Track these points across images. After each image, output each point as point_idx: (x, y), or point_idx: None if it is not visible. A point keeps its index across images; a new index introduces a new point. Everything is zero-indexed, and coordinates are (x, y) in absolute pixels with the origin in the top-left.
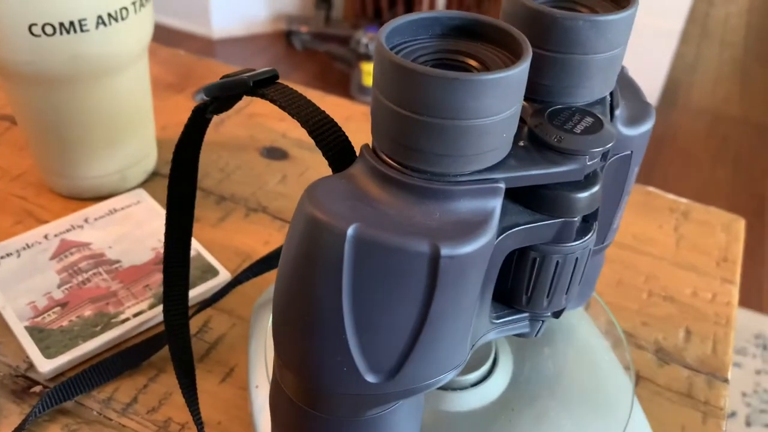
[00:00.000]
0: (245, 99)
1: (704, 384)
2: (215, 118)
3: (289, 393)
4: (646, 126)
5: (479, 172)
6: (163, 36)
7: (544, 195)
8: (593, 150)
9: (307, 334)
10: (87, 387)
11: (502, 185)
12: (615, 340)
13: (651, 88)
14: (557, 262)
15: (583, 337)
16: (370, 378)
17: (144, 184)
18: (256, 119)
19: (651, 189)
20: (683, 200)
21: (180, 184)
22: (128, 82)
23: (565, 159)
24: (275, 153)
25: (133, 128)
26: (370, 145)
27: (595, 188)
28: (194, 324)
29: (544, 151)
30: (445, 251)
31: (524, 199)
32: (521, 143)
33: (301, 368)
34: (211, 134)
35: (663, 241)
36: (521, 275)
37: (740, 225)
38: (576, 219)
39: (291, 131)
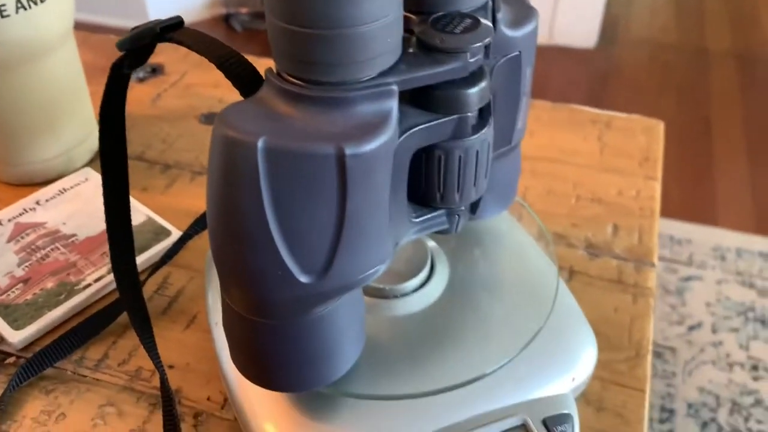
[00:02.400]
0: (179, 71)
1: (633, 270)
2: (152, 93)
3: (236, 308)
4: (530, 27)
5: (373, 78)
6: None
7: (438, 95)
8: (473, 46)
9: (240, 246)
10: (62, 354)
11: (395, 87)
12: (545, 244)
13: (589, 26)
14: (460, 157)
15: (512, 239)
16: (303, 279)
17: (90, 163)
18: (192, 89)
19: (574, 106)
20: (605, 112)
21: (110, 143)
22: (58, 64)
23: (449, 58)
24: (213, 118)
25: (70, 109)
26: (273, 69)
27: (482, 83)
28: (154, 282)
29: (430, 54)
30: (349, 150)
31: (421, 101)
32: (410, 50)
33: (241, 280)
34: (149, 109)
35: (588, 151)
36: (431, 174)
37: (660, 127)
38: (469, 114)
39: (227, 96)
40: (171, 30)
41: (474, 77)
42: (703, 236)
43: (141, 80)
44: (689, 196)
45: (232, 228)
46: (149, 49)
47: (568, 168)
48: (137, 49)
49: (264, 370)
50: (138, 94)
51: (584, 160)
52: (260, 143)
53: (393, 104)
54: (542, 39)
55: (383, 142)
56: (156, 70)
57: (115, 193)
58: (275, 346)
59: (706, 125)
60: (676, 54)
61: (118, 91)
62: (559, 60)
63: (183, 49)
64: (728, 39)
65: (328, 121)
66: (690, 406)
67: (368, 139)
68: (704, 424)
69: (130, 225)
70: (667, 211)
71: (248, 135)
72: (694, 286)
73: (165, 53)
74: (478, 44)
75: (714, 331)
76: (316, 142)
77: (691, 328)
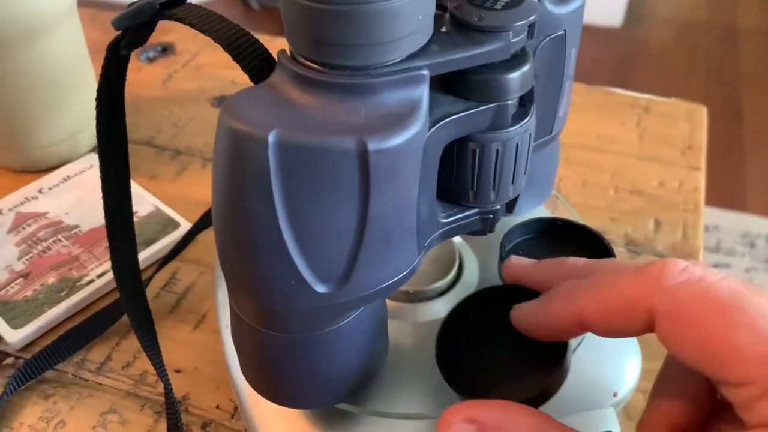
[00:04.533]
0: (191, 51)
1: None
2: (162, 74)
3: (246, 318)
4: (576, 3)
5: (400, 61)
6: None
7: (474, 80)
8: (516, 24)
9: (249, 252)
10: (62, 355)
11: (426, 72)
12: None
13: (615, 4)
14: (497, 151)
15: None
16: (320, 288)
17: (96, 149)
18: (204, 70)
19: (610, 89)
20: (644, 96)
21: (108, 131)
22: (61, 42)
23: (489, 38)
24: None
25: (74, 92)
26: (287, 51)
27: (526, 67)
28: (161, 277)
29: (467, 33)
30: (372, 146)
31: (455, 87)
32: (443, 29)
33: (250, 289)
34: (159, 90)
35: (626, 138)
36: (464, 169)
37: (702, 113)
38: (510, 102)
39: (239, 77)
40: (171, 6)
41: (516, 60)
42: (732, 222)
43: (150, 60)
44: (718, 180)
45: (239, 231)
46: (149, 28)
47: (605, 156)
48: (135, 27)
49: (276, 385)
50: (147, 76)
51: (623, 147)
52: (271, 137)
53: (423, 91)
54: None
55: (412, 135)
56: (166, 50)
57: (115, 185)
58: (289, 360)
59: (735, 107)
60: (705, 33)
61: (116, 73)
62: (583, 38)
63: None
64: (760, 16)
65: (349, 112)
66: None
67: (395, 132)
68: None
69: (132, 220)
70: None
71: (258, 128)
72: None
73: (176, 31)
74: (522, 22)
75: None
76: (335, 136)
77: None
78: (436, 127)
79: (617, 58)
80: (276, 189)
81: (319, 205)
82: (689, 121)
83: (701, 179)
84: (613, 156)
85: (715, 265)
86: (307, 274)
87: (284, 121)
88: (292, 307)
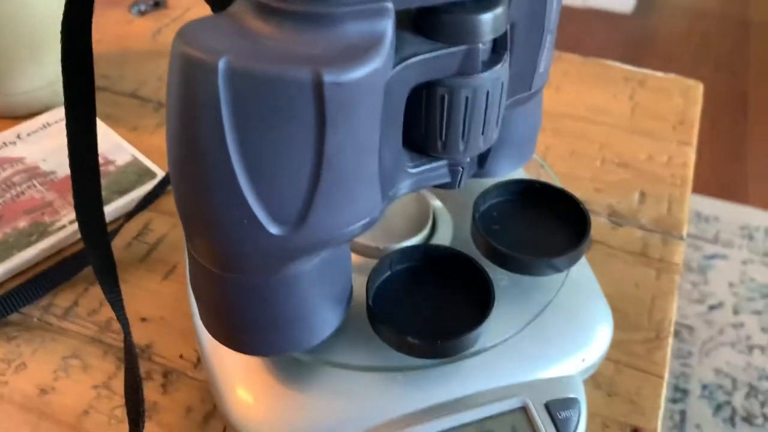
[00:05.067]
0: (183, 6)
1: (659, 243)
2: (152, 28)
3: (201, 260)
4: None
5: None
6: None
7: (443, 19)
8: None
9: (200, 186)
10: (28, 299)
11: (391, 5)
12: None
13: None
14: (467, 97)
15: None
16: (273, 230)
17: None
18: None
19: (606, 61)
20: (640, 70)
21: (73, 67)
22: None
23: None
24: None
25: (55, 38)
26: None
27: (499, 9)
28: (134, 227)
29: None
30: (328, 77)
31: (423, 26)
32: None
33: (203, 228)
34: (148, 44)
35: (617, 110)
36: (431, 116)
37: (698, 89)
38: (481, 46)
39: None
40: None
41: (489, 1)
42: (732, 214)
43: (141, 13)
44: (720, 171)
45: (190, 163)
46: None
47: (595, 128)
48: None
49: (234, 331)
50: (137, 29)
51: (613, 120)
52: (222, 63)
53: (387, 25)
54: (577, 0)
55: (372, 70)
56: (158, 4)
57: (79, 125)
58: (246, 305)
59: (742, 100)
60: (716, 24)
61: (83, 5)
62: (593, 24)
63: None
64: None
65: (308, 42)
66: (705, 387)
67: (353, 64)
68: (718, 407)
69: (97, 162)
70: (696, 186)
71: (208, 54)
72: (717, 264)
73: None
74: None
75: (735, 312)
76: (290, 65)
77: (712, 307)
78: (400, 66)
79: (626, 45)
80: (226, 119)
81: (272, 139)
82: (684, 97)
83: (691, 154)
84: (603, 128)
85: (712, 256)
86: (261, 214)
87: (238, 49)
88: (246, 248)
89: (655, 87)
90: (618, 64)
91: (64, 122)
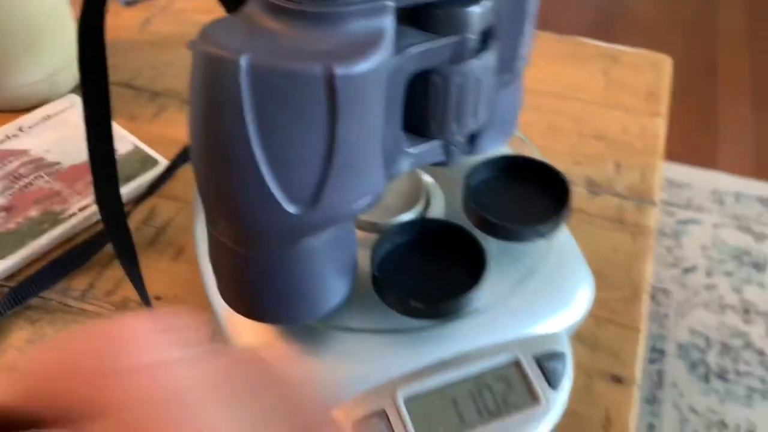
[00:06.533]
0: None
1: (633, 209)
2: (140, 18)
3: (222, 239)
4: None
5: None
6: None
7: (437, 14)
8: None
9: (224, 173)
10: (47, 283)
11: (392, 3)
12: None
13: None
14: (458, 83)
15: None
16: (291, 209)
17: (76, 89)
18: (183, 15)
19: (581, 39)
20: (612, 46)
21: (90, 62)
22: None
23: None
24: None
25: (53, 32)
26: None
27: (487, 2)
28: (141, 213)
29: None
30: (339, 71)
31: (419, 20)
32: None
33: (226, 210)
34: (139, 34)
35: (592, 86)
36: (427, 101)
37: (667, 63)
38: (470, 36)
39: None
40: None
41: None
42: (703, 180)
43: (129, 4)
44: (690, 138)
45: (214, 153)
46: None
47: (571, 103)
48: None
49: (251, 302)
50: (126, 20)
51: (588, 95)
52: (243, 61)
53: (388, 22)
54: None
55: (376, 62)
56: None
57: (97, 117)
58: (263, 278)
59: (711, 67)
60: None
61: (97, 3)
62: None
63: None
64: None
65: (317, 39)
66: (680, 347)
67: (360, 58)
68: (693, 365)
69: (113, 151)
70: (667, 154)
71: (231, 52)
72: (691, 229)
73: None
74: None
75: (708, 274)
76: (304, 61)
77: (686, 270)
78: (400, 57)
79: (597, 15)
80: (248, 110)
81: (289, 128)
82: (654, 71)
83: (662, 125)
84: (579, 103)
85: (685, 221)
86: (279, 195)
87: (256, 47)
88: (266, 226)
89: (627, 62)
90: (591, 41)
91: (64, 113)
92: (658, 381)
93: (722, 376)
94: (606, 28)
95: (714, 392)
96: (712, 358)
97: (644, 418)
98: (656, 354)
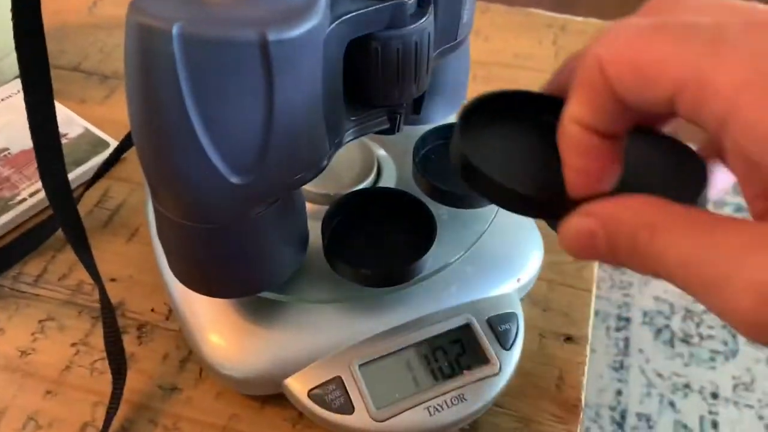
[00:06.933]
0: None
1: None
2: (88, 1)
3: (167, 213)
4: None
5: None
6: None
7: None
8: None
9: (163, 144)
10: (1, 268)
11: None
12: None
13: None
14: (398, 49)
15: None
16: (233, 179)
17: None
18: None
19: (530, 9)
20: (561, 16)
21: (26, 40)
22: None
23: None
24: None
25: None
26: None
27: None
28: (94, 195)
29: None
30: (272, 36)
31: None
32: None
33: (168, 183)
34: (85, 17)
35: (542, 55)
36: (367, 67)
37: None
38: (407, 2)
39: None
40: None
41: None
42: None
43: None
44: None
45: (153, 124)
46: None
47: (522, 73)
48: None
49: (202, 276)
50: (73, 3)
51: (539, 64)
52: (175, 30)
53: None
54: None
55: (310, 27)
56: None
57: (37, 98)
58: (212, 251)
59: None
60: None
61: None
62: None
63: None
64: None
65: (251, 7)
66: (645, 314)
67: (293, 24)
68: (658, 331)
69: (57, 133)
70: None
71: (162, 21)
72: None
73: None
74: None
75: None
76: (237, 28)
77: None
78: (336, 22)
79: None
80: (183, 80)
81: (226, 96)
82: None
83: None
84: (530, 72)
85: None
86: (220, 165)
87: (189, 16)
88: (209, 197)
89: (575, 31)
90: (541, 12)
91: (10, 99)
92: (624, 348)
93: (686, 340)
94: (566, 4)
95: (678, 356)
96: (676, 324)
97: (612, 384)
98: (622, 322)
